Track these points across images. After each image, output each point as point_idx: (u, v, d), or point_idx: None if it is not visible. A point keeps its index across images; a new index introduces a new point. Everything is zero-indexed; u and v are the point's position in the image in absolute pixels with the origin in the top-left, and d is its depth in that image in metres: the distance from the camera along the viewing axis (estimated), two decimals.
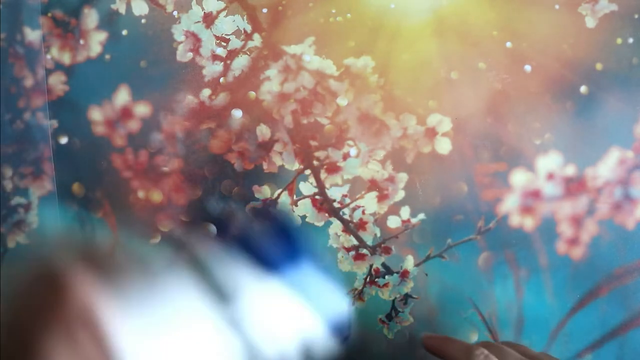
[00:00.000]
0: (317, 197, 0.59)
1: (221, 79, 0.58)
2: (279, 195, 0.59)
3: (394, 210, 0.58)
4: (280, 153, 0.59)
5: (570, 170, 0.57)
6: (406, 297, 0.60)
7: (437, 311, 0.59)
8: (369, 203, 0.58)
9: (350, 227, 0.59)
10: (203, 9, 0.58)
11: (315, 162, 0.59)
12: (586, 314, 0.57)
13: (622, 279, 0.56)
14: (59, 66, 0.59)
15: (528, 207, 0.57)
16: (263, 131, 0.58)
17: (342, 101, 0.58)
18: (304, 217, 0.59)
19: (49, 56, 0.59)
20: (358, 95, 0.58)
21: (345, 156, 0.58)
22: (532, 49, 0.57)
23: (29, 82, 0.59)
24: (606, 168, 0.57)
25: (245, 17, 0.58)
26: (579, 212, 0.57)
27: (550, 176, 0.57)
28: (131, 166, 0.60)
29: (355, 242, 0.59)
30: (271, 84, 0.58)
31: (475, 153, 0.58)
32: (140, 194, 0.60)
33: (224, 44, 0.58)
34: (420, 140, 0.58)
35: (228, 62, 0.58)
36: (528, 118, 0.57)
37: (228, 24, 0.58)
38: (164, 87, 0.59)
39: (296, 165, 0.59)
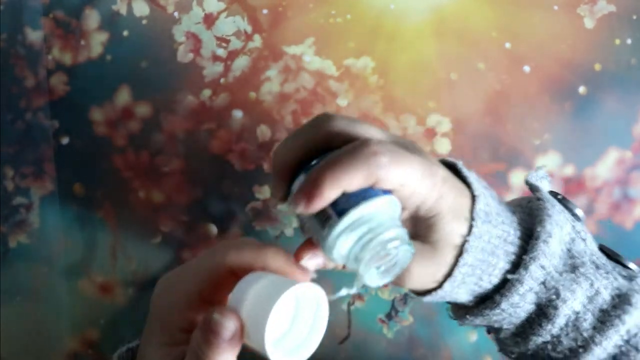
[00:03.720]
0: None
1: (222, 80, 0.59)
2: None
3: None
4: None
5: (569, 170, 0.57)
6: (406, 297, 0.60)
7: (436, 311, 0.60)
8: None
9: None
10: (204, 10, 0.58)
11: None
12: None
13: None
14: (60, 66, 0.59)
15: None
16: (263, 131, 0.59)
17: (342, 101, 0.58)
18: None
19: (50, 57, 0.59)
20: (358, 96, 0.58)
21: None
22: (531, 49, 0.57)
23: (30, 82, 0.59)
24: (605, 168, 0.57)
25: (245, 18, 0.58)
26: None
27: (550, 176, 0.57)
28: (132, 166, 0.60)
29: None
30: (271, 84, 0.58)
31: (475, 153, 0.58)
32: (141, 194, 0.60)
33: (225, 45, 0.58)
34: (419, 141, 0.58)
35: (228, 62, 0.58)
36: (527, 118, 0.57)
37: (228, 25, 0.58)
38: (164, 88, 0.59)
39: None
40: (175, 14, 0.58)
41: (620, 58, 0.56)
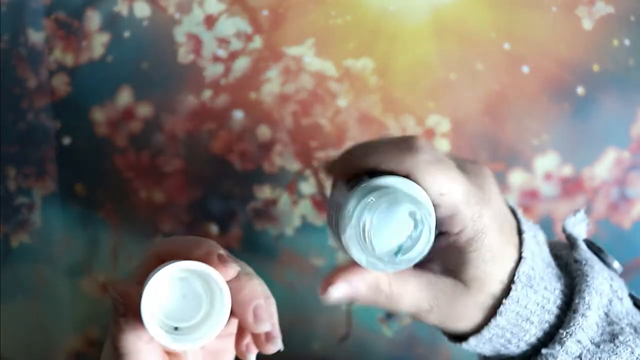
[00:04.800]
0: (317, 197, 0.59)
1: (222, 80, 0.59)
2: (279, 195, 0.59)
3: None
4: (281, 154, 0.59)
5: (568, 171, 0.58)
6: None
7: None
8: None
9: None
10: (204, 11, 0.58)
11: (315, 162, 0.59)
12: None
13: None
14: (62, 67, 0.59)
15: (526, 207, 0.58)
16: (263, 132, 0.59)
17: (342, 102, 0.58)
18: (304, 217, 0.59)
19: (52, 57, 0.59)
20: (358, 96, 0.58)
21: None
22: (530, 50, 0.57)
23: (32, 83, 0.59)
24: (603, 168, 0.57)
25: (246, 19, 0.58)
26: None
27: (548, 176, 0.58)
28: (133, 166, 0.60)
29: None
30: (272, 85, 0.58)
31: (474, 153, 0.58)
32: (142, 194, 0.60)
33: (225, 46, 0.58)
34: None
35: (229, 63, 0.59)
36: (526, 119, 0.58)
37: (229, 25, 0.58)
38: (165, 88, 0.59)
39: (296, 166, 0.59)
40: (176, 15, 0.58)
41: (619, 59, 0.56)
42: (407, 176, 0.35)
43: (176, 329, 0.35)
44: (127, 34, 0.59)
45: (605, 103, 0.57)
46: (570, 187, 0.58)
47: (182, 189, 0.60)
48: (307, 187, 0.59)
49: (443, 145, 0.58)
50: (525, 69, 0.57)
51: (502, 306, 0.36)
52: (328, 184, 0.58)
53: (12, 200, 0.60)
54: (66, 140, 0.60)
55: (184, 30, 0.58)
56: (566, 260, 0.40)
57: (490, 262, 0.36)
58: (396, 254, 0.34)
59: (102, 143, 0.60)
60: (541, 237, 0.40)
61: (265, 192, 0.59)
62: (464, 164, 0.38)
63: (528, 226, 0.39)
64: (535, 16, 0.57)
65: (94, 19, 0.59)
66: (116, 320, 0.34)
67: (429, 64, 0.58)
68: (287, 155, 0.59)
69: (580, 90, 0.57)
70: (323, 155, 0.59)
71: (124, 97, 0.59)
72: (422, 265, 0.37)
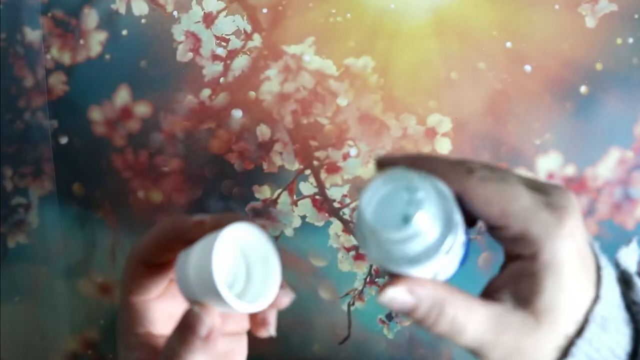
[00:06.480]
0: (317, 197, 0.59)
1: (221, 79, 0.58)
2: (279, 195, 0.59)
3: None
4: (281, 153, 0.59)
5: (570, 170, 0.57)
6: None
7: None
8: None
9: (350, 227, 0.59)
10: (203, 9, 0.58)
11: (315, 162, 0.59)
12: None
13: None
14: (59, 66, 0.59)
15: None
16: (263, 131, 0.59)
17: (342, 101, 0.58)
18: (304, 217, 0.59)
19: (49, 56, 0.59)
20: (358, 96, 0.58)
21: (345, 156, 0.58)
22: (532, 49, 0.57)
23: (29, 82, 0.59)
24: (606, 168, 0.57)
25: (245, 17, 0.58)
26: None
27: (550, 176, 0.57)
28: (131, 166, 0.60)
29: (355, 242, 0.59)
30: (271, 84, 0.58)
31: (475, 153, 0.58)
32: (141, 194, 0.60)
33: (224, 44, 0.58)
34: (420, 141, 0.58)
35: (228, 62, 0.58)
36: (528, 118, 0.57)
37: (228, 24, 0.58)
38: (164, 87, 0.59)
39: (296, 165, 0.59)
40: (175, 13, 0.58)
41: (622, 57, 0.56)
42: (459, 196, 0.32)
43: (246, 285, 0.36)
44: (125, 32, 0.58)
45: (608, 102, 0.56)
46: (573, 187, 0.57)
47: (181, 188, 0.60)
48: (307, 187, 0.59)
49: (444, 144, 0.58)
50: (528, 68, 0.57)
51: (573, 347, 0.33)
52: (328, 183, 0.57)
53: (8, 200, 0.60)
54: (63, 140, 0.60)
55: (182, 29, 0.58)
56: (625, 305, 0.36)
57: (568, 295, 0.32)
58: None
59: (99, 142, 0.59)
60: (614, 274, 0.36)
61: (265, 192, 0.59)
62: (543, 185, 0.34)
63: (605, 262, 0.35)
64: (538, 14, 0.56)
65: (91, 17, 0.58)
66: (188, 339, 0.33)
67: (430, 63, 0.57)
68: (287, 155, 0.59)
69: (583, 89, 0.56)
70: (323, 155, 0.58)
71: (122, 95, 0.59)
72: (490, 294, 0.35)
